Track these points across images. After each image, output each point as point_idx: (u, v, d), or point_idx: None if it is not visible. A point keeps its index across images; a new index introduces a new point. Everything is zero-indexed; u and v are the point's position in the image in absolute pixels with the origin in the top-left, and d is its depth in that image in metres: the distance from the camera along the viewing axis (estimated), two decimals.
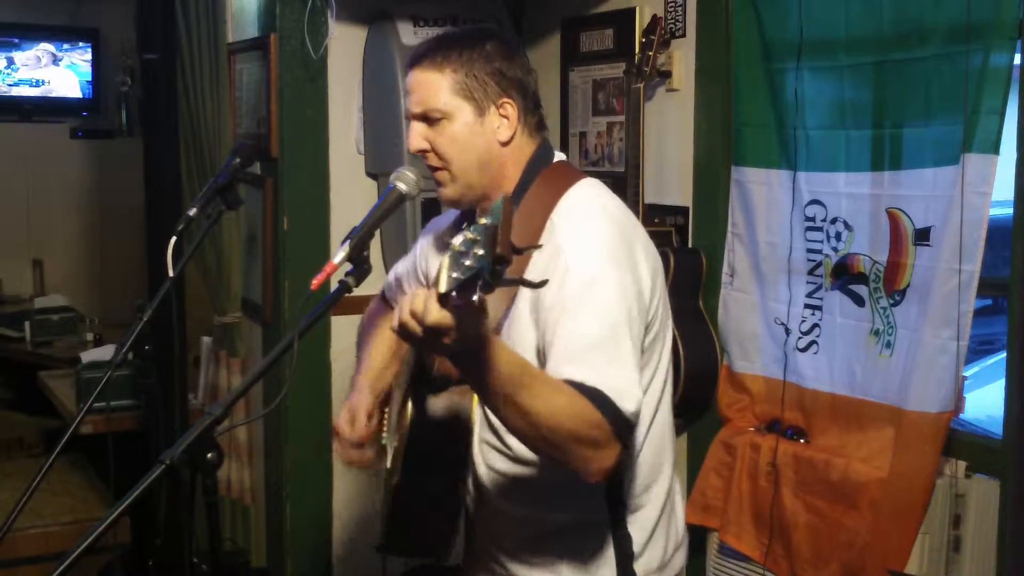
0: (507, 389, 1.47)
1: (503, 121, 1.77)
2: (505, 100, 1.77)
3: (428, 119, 1.76)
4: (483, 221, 1.27)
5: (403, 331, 1.38)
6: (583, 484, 1.64)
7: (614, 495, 1.76)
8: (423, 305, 1.34)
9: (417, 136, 1.78)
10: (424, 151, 1.78)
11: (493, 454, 1.77)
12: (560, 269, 1.65)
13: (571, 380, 1.55)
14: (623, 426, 1.55)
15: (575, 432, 1.52)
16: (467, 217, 1.90)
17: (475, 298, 1.28)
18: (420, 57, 1.78)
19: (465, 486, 1.82)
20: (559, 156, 1.87)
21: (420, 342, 1.40)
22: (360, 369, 2.03)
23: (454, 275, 1.26)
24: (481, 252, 1.25)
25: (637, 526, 1.79)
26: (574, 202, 1.75)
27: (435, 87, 1.75)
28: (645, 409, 1.74)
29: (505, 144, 1.78)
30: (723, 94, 2.99)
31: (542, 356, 1.66)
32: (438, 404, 1.77)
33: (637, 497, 1.79)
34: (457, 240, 1.27)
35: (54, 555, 3.28)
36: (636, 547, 1.78)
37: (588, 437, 1.52)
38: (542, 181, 1.78)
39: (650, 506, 1.81)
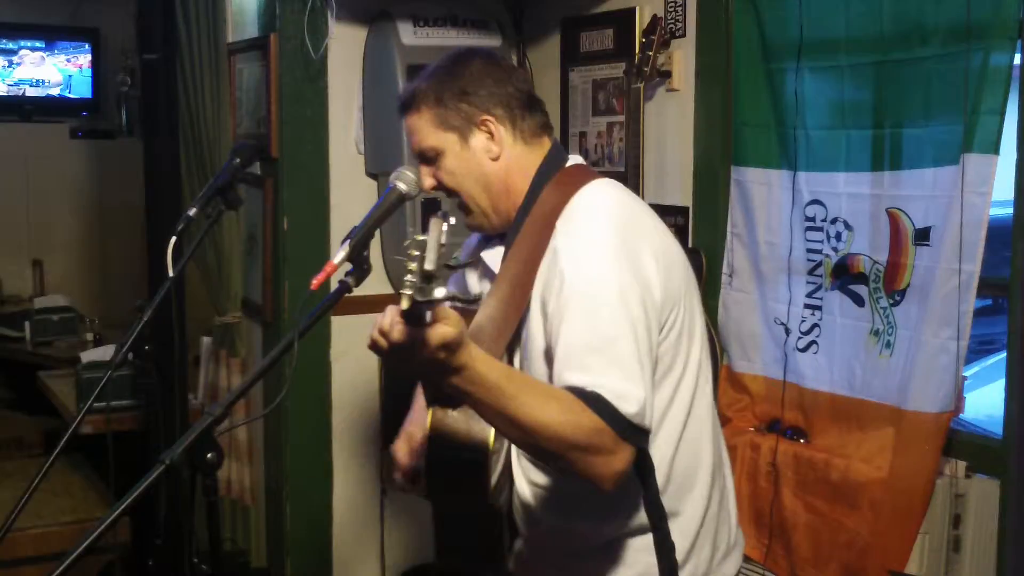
0: (496, 401, 1.46)
1: (488, 140, 1.79)
2: (484, 118, 1.78)
3: (426, 159, 1.81)
4: (420, 238, 1.29)
5: (374, 349, 1.41)
6: (622, 492, 1.62)
7: (653, 500, 1.73)
8: (389, 323, 1.35)
9: (425, 176, 1.82)
10: (435, 188, 1.82)
11: (533, 468, 1.75)
12: (557, 275, 1.64)
13: (570, 385, 1.54)
14: (627, 428, 1.52)
15: (573, 440, 1.49)
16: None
17: (427, 314, 1.30)
18: (402, 105, 1.84)
19: (500, 502, 1.78)
20: (573, 160, 1.85)
21: (390, 359, 1.41)
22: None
23: (408, 292, 1.27)
24: (413, 267, 1.26)
25: (679, 532, 1.76)
26: (577, 205, 1.73)
27: (420, 128, 1.81)
28: (676, 411, 1.73)
29: (497, 159, 1.79)
30: (723, 94, 2.99)
31: (551, 363, 1.65)
32: (453, 419, 1.75)
33: (676, 501, 1.76)
34: (408, 259, 1.29)
35: (54, 555, 3.27)
36: (680, 554, 1.75)
37: (588, 444, 1.50)
38: (553, 186, 1.77)
39: (691, 510, 1.78)
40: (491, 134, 1.78)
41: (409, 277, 1.27)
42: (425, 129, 1.80)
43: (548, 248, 1.69)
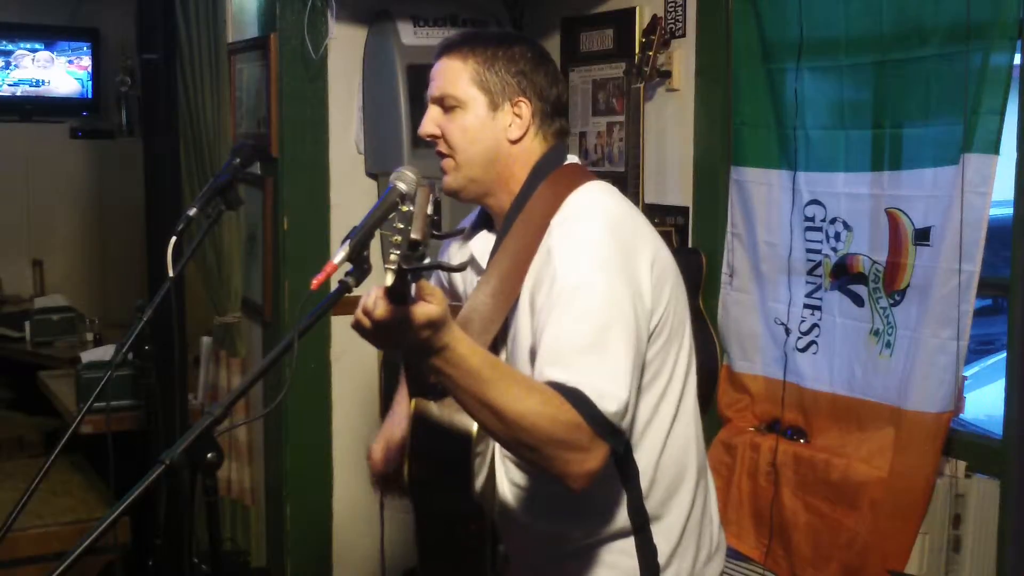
0: (475, 386, 1.45)
1: (515, 120, 1.78)
2: (520, 100, 1.78)
3: (444, 105, 1.79)
4: (405, 209, 1.29)
5: (357, 328, 1.40)
6: (605, 495, 1.61)
7: (636, 504, 1.73)
8: (373, 302, 1.35)
9: (430, 121, 1.80)
10: (434, 136, 1.80)
11: (514, 469, 1.74)
12: (549, 274, 1.64)
13: (551, 381, 1.53)
14: (604, 427, 1.51)
15: (551, 433, 1.48)
16: (483, 219, 1.90)
17: (410, 293, 1.30)
18: (449, 46, 1.81)
19: (486, 503, 1.76)
20: (572, 159, 1.85)
21: (373, 339, 1.40)
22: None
23: (393, 267, 1.27)
24: (400, 239, 1.27)
25: (662, 536, 1.76)
26: (574, 205, 1.73)
27: (456, 75, 1.78)
28: (662, 416, 1.73)
29: (514, 143, 1.78)
30: (723, 94, 2.99)
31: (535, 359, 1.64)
32: (438, 412, 1.72)
33: (660, 506, 1.76)
34: (393, 233, 1.28)
35: (54, 555, 3.28)
36: (662, 558, 1.75)
37: (566, 439, 1.49)
38: (549, 183, 1.77)
39: (675, 514, 1.78)
40: (519, 116, 1.78)
41: (393, 251, 1.27)
42: (460, 78, 1.77)
43: (541, 247, 1.69)
